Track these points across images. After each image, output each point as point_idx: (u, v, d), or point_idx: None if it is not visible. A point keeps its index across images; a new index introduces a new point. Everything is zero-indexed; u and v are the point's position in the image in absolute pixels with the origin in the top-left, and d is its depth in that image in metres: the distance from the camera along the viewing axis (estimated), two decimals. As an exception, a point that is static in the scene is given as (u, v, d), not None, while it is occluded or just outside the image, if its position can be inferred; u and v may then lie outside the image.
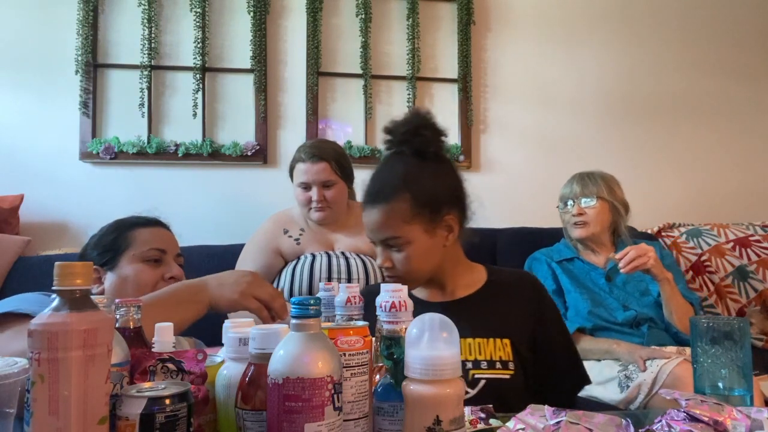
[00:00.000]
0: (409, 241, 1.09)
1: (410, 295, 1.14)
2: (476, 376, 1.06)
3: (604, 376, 1.66)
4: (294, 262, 1.87)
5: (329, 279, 1.81)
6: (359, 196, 1.33)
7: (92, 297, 0.58)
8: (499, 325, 1.11)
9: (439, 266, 1.15)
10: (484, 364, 1.07)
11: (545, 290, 1.22)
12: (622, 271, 1.72)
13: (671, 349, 1.69)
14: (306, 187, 1.88)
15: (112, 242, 1.31)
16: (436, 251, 1.13)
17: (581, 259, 1.97)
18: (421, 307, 1.11)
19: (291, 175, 1.96)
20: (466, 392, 1.04)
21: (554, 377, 1.14)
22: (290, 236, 1.92)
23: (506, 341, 1.09)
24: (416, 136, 1.12)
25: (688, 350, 1.66)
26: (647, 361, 1.58)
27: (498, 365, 1.07)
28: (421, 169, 1.12)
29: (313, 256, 1.85)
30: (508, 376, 1.06)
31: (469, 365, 1.07)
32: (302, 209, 1.92)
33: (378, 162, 2.50)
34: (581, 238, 1.95)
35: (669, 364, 1.52)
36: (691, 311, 1.81)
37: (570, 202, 1.96)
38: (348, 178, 1.95)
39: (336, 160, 1.89)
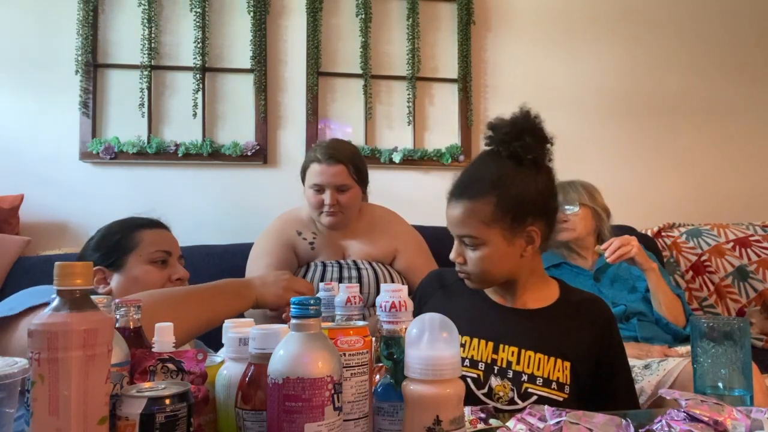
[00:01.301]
0: (484, 242, 1.07)
1: (480, 294, 1.17)
2: (529, 390, 1.05)
3: None
4: (303, 270, 1.82)
5: (340, 272, 1.78)
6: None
7: (93, 297, 0.58)
8: (563, 345, 1.09)
9: (513, 273, 1.12)
10: (539, 381, 1.05)
11: (615, 318, 1.19)
12: (608, 260, 1.79)
13: (682, 349, 1.69)
14: (319, 189, 1.78)
15: (117, 243, 1.30)
16: (512, 259, 1.10)
17: (568, 264, 2.01)
18: (491, 308, 1.14)
19: (303, 175, 1.85)
20: (516, 403, 1.04)
21: (608, 402, 1.09)
22: (304, 239, 1.84)
23: (567, 364, 1.07)
24: (517, 140, 1.07)
25: (684, 349, 1.66)
26: (653, 363, 1.58)
27: (554, 386, 1.05)
28: (514, 175, 1.08)
29: (324, 266, 1.79)
30: (560, 399, 1.04)
31: (525, 378, 1.05)
32: (313, 212, 1.83)
33: (372, 161, 2.49)
34: (567, 240, 2.00)
35: (676, 367, 1.52)
36: (678, 302, 1.85)
37: None
38: (363, 182, 1.86)
39: (353, 163, 1.79)
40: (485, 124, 1.13)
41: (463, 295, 1.18)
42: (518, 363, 1.06)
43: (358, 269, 1.80)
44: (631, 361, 1.66)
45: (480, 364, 1.07)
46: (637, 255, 1.79)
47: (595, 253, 2.03)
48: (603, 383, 1.10)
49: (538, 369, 1.06)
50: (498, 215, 1.06)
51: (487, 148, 1.13)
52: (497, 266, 1.10)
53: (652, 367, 1.57)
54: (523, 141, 1.07)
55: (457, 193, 1.10)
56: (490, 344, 1.09)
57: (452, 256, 1.13)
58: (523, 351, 1.07)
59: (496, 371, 1.07)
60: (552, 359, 1.07)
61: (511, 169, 1.08)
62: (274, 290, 1.17)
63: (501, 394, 1.05)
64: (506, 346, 1.08)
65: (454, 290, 1.20)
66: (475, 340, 1.09)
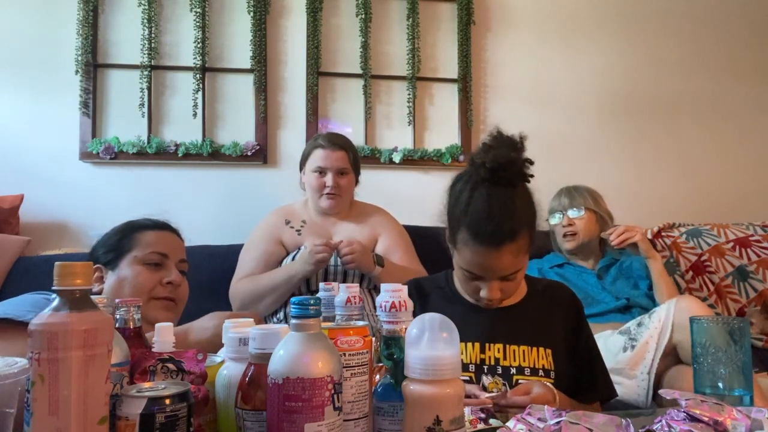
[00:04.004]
0: (522, 267, 1.12)
1: (459, 299, 1.19)
2: (520, 381, 1.08)
3: (609, 349, 1.64)
4: (294, 253, 1.90)
5: (326, 270, 1.84)
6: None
7: (92, 297, 0.58)
8: (542, 334, 1.14)
9: None
10: (527, 371, 1.10)
11: (581, 302, 1.24)
12: (612, 243, 1.90)
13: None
14: (322, 172, 1.92)
15: (117, 243, 1.31)
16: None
17: (572, 264, 2.06)
18: (473, 311, 1.16)
19: (302, 163, 1.99)
20: None
21: (587, 387, 1.16)
22: (292, 227, 1.96)
23: (548, 351, 1.13)
24: (525, 166, 1.08)
25: None
26: (643, 319, 1.58)
27: (541, 373, 1.10)
28: (525, 197, 1.11)
29: None
30: (548, 384, 1.07)
31: (513, 371, 1.10)
32: (313, 195, 1.95)
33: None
34: (571, 250, 2.05)
35: (668, 313, 1.50)
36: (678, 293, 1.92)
37: (559, 215, 2.07)
38: (358, 170, 2.01)
39: (352, 150, 1.98)
40: (481, 142, 1.11)
41: (443, 302, 1.21)
42: (505, 358, 1.11)
43: None
44: (622, 328, 1.65)
45: (470, 366, 1.11)
46: (640, 241, 1.88)
47: (599, 256, 2.06)
48: (581, 365, 1.16)
49: (525, 360, 1.11)
50: (530, 240, 1.10)
51: (484, 181, 1.09)
52: (522, 281, 1.17)
53: (644, 323, 1.58)
54: (519, 164, 1.07)
55: (497, 241, 1.05)
56: (477, 345, 1.13)
57: (489, 295, 1.10)
58: (508, 346, 1.12)
59: (485, 370, 1.10)
60: (535, 349, 1.12)
61: (521, 194, 1.10)
62: (211, 324, 1.10)
63: (494, 390, 1.08)
64: (492, 345, 1.12)
65: (433, 299, 1.23)
66: (462, 344, 1.12)
